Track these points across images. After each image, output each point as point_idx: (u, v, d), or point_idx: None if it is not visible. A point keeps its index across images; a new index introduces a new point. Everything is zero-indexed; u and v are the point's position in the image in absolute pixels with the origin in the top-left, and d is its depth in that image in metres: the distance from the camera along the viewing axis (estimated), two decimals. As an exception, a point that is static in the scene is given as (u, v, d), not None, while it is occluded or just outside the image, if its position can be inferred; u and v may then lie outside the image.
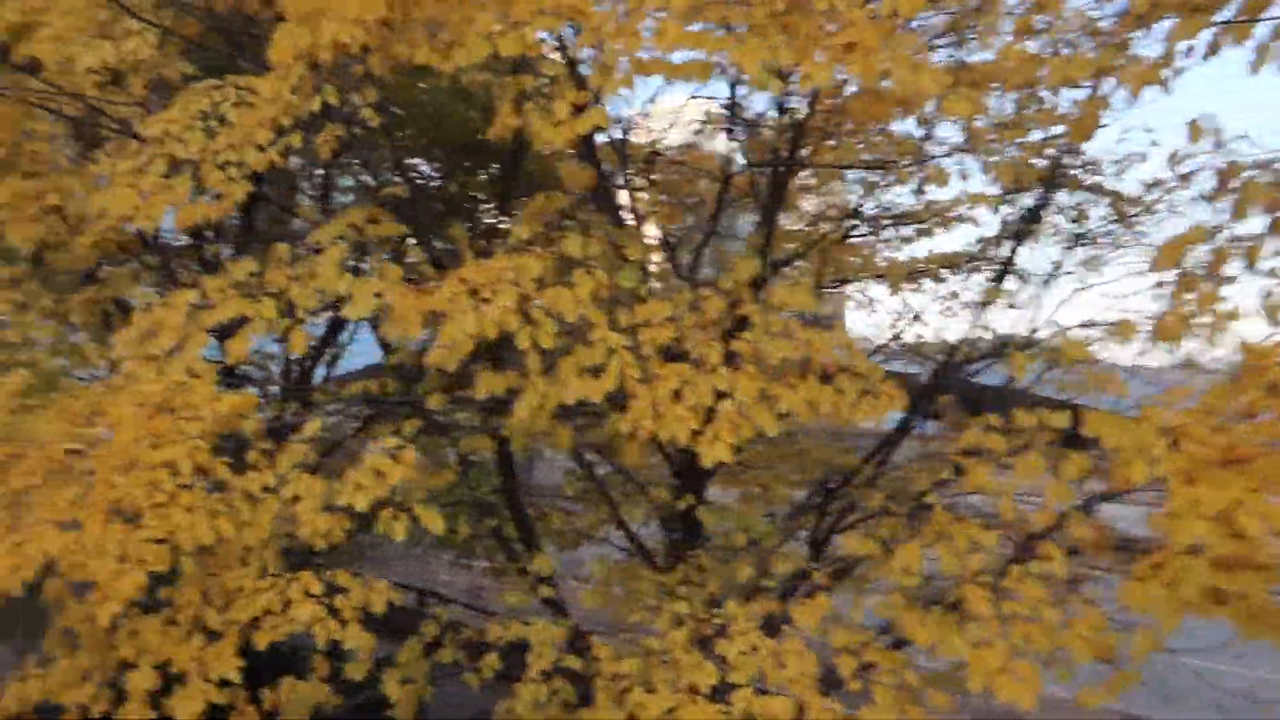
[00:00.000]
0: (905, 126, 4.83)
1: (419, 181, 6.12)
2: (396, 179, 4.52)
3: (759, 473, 6.64)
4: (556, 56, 3.58)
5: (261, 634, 3.04)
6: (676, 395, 2.46)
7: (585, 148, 3.94)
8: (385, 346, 5.75)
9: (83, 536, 2.77)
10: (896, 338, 5.70)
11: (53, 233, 5.52)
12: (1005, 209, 4.96)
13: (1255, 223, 2.70)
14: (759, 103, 4.63)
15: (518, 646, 3.99)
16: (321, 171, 6.71)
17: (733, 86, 4.08)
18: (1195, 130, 2.85)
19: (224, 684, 3.03)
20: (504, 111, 2.78)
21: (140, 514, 2.82)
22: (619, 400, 2.87)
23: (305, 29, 2.70)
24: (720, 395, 2.49)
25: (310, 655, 3.51)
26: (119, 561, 2.72)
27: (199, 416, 2.99)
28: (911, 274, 5.96)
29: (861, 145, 5.02)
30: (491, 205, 7.36)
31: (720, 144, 5.36)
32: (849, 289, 6.71)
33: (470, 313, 2.42)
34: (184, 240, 6.86)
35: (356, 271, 3.41)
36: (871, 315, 6.74)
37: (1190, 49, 2.73)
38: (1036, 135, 3.99)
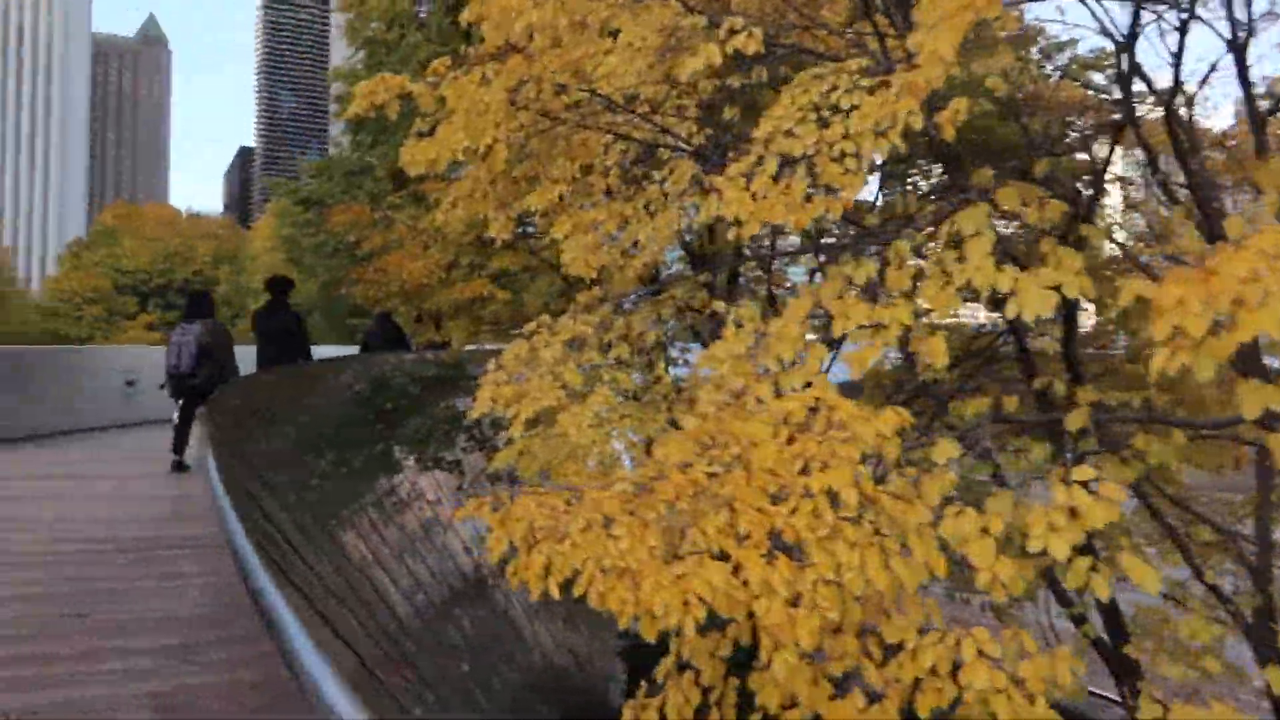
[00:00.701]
0: None
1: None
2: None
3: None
4: None
5: (924, 698, 2.56)
6: None
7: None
8: (910, 358, 5.21)
9: (743, 572, 2.48)
10: None
11: (610, 259, 5.73)
12: None
13: None
14: None
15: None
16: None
17: None
18: None
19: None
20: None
21: (804, 549, 2.47)
22: None
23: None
24: None
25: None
26: (788, 604, 2.38)
27: (853, 438, 2.60)
28: None
29: None
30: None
31: None
32: None
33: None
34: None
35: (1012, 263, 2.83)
36: None
37: None
38: None
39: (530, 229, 8.72)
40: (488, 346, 12.23)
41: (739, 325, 3.70)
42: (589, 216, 5.74)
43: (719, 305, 4.62)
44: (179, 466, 8.75)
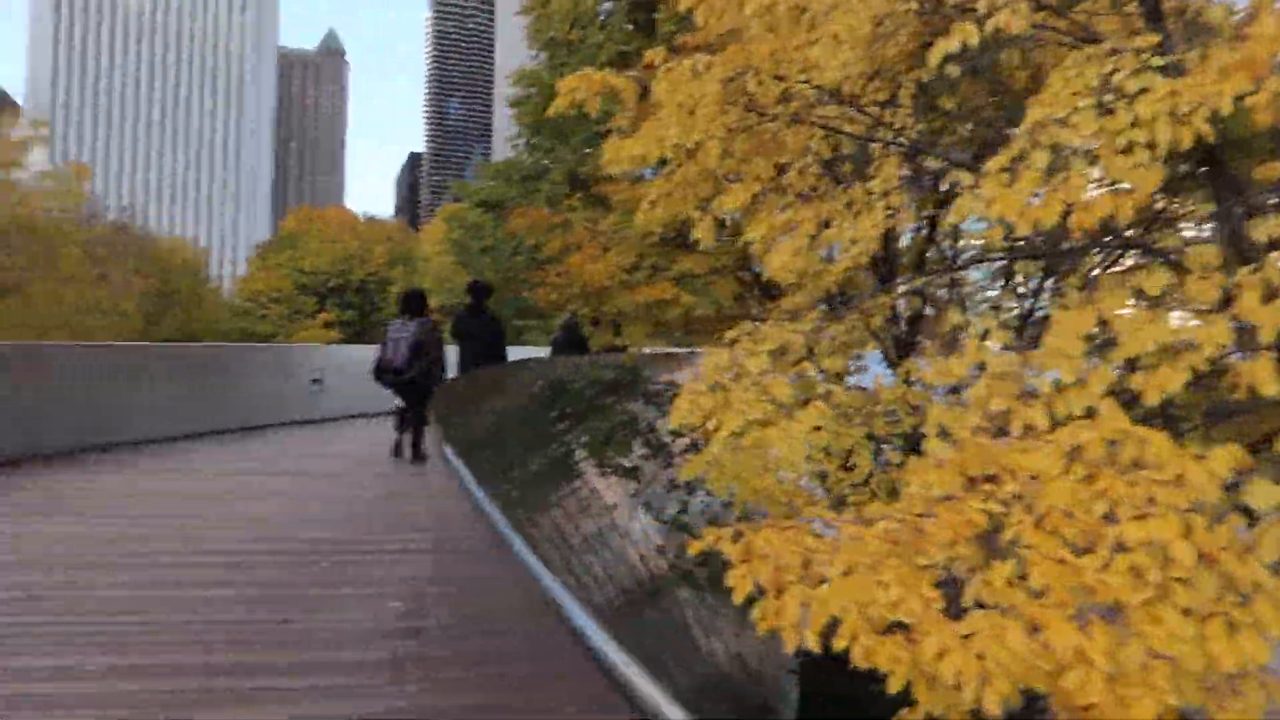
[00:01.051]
0: None
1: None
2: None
3: None
4: None
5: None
6: None
7: None
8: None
9: (1044, 635, 2.11)
10: None
11: (809, 262, 5.41)
12: None
13: None
14: None
15: None
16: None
17: None
18: None
19: None
20: None
21: (1125, 614, 2.08)
22: None
23: None
24: None
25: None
26: (1109, 680, 2.00)
27: (1179, 480, 2.18)
28: None
29: None
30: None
31: None
32: None
33: None
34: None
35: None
36: None
37: None
38: None
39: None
40: (663, 350, 12.08)
41: (984, 337, 3.33)
42: (786, 218, 5.43)
43: (956, 316, 4.21)
44: (398, 451, 9.53)
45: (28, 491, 7.54)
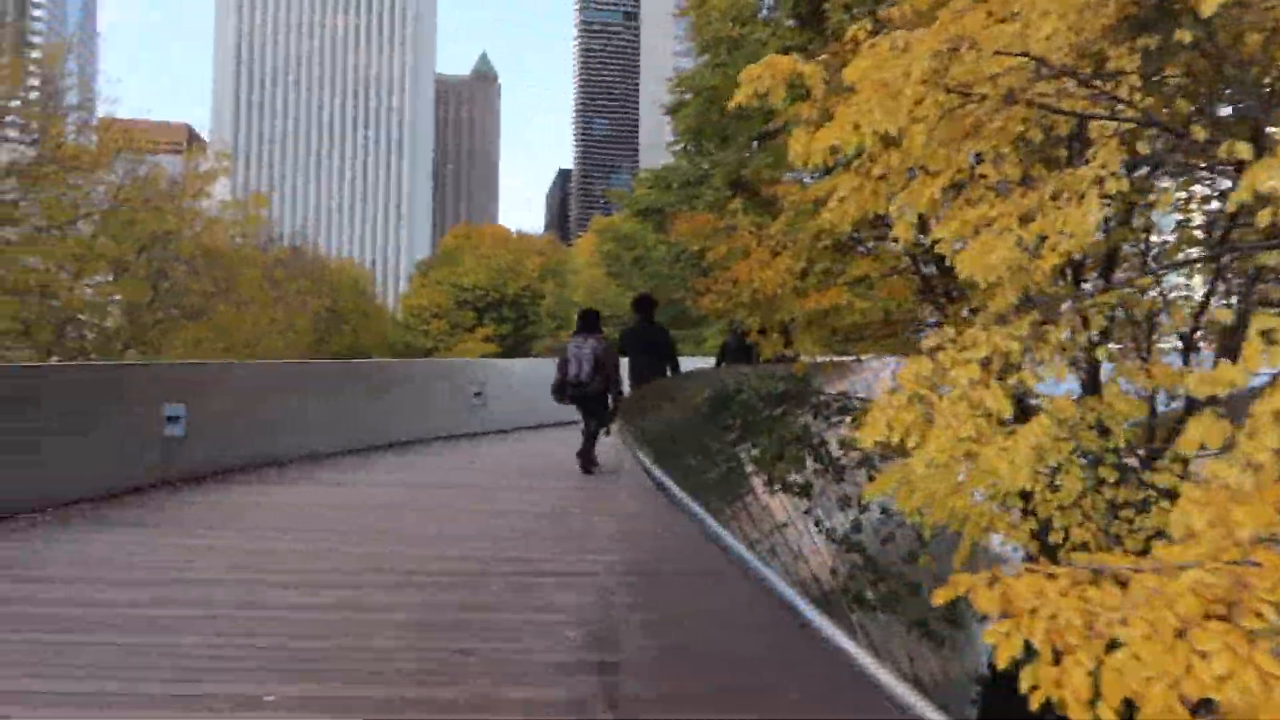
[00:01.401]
0: None
1: None
2: None
3: None
4: None
5: None
6: None
7: None
8: None
9: None
10: None
11: (1015, 257, 4.88)
12: None
13: None
14: None
15: None
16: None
17: None
18: None
19: None
20: None
21: None
22: None
23: None
24: None
25: None
26: None
27: None
28: None
29: None
30: None
31: None
32: None
33: None
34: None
35: None
36: None
37: None
38: None
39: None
40: (828, 359, 11.54)
41: (1271, 340, 2.79)
42: (981, 213, 4.92)
43: (1223, 314, 3.63)
44: (588, 468, 9.80)
45: (203, 507, 7.71)
